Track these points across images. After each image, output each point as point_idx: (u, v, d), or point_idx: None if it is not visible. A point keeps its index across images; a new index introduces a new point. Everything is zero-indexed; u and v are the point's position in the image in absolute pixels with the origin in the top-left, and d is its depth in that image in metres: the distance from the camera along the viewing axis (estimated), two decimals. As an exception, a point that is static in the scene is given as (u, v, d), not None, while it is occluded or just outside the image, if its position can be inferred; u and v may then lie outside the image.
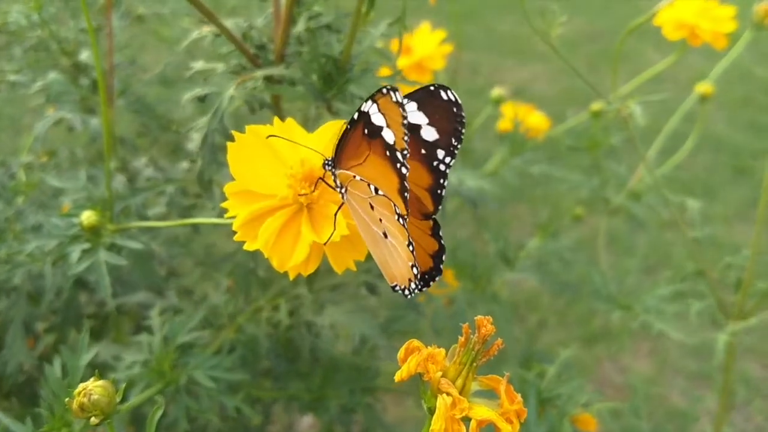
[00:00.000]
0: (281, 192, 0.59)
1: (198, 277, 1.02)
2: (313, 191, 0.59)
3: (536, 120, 1.54)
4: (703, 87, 1.36)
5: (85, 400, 0.57)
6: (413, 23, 1.18)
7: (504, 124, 1.52)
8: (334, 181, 0.57)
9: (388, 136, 0.52)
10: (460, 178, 1.12)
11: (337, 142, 0.56)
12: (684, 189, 1.54)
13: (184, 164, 0.88)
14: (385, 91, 0.52)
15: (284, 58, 0.83)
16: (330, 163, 0.57)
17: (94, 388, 0.57)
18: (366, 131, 0.53)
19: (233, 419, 0.97)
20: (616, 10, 4.20)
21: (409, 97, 0.56)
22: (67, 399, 0.59)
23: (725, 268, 1.01)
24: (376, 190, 0.55)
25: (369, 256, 1.06)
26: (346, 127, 0.55)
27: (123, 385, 0.59)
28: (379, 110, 0.52)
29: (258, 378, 1.07)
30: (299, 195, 0.59)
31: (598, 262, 1.66)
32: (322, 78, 0.81)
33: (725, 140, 3.26)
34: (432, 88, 0.56)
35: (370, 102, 0.52)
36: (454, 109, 0.56)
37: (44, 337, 1.08)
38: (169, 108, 1.27)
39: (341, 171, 0.57)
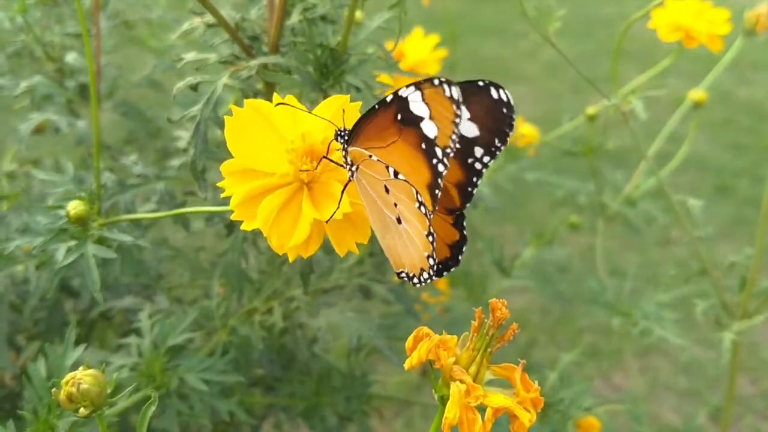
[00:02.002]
0: (281, 169, 0.56)
1: (187, 281, 0.99)
2: (316, 168, 0.56)
3: (527, 130, 1.52)
4: (696, 95, 1.35)
5: (74, 389, 0.53)
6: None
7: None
8: (344, 157, 0.55)
9: (429, 129, 0.49)
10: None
11: (358, 120, 0.54)
12: (668, 207, 1.53)
13: (175, 162, 0.85)
14: (437, 82, 0.48)
15: (278, 49, 0.81)
16: (343, 134, 0.54)
17: (83, 377, 0.53)
18: (399, 117, 0.50)
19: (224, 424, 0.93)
20: (597, 33, 4.23)
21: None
22: (53, 390, 0.54)
23: (729, 268, 0.99)
24: (396, 173, 0.52)
25: (365, 263, 1.04)
26: (374, 106, 0.52)
27: (114, 375, 0.55)
28: (424, 100, 0.49)
29: (249, 388, 1.03)
30: (300, 171, 0.56)
31: (594, 270, 1.64)
32: (318, 68, 0.79)
33: (708, 160, 3.28)
34: (481, 83, 0.53)
35: (412, 88, 0.49)
36: (504, 110, 0.53)
37: (27, 347, 1.04)
38: (158, 112, 1.24)
39: (355, 148, 0.54)
